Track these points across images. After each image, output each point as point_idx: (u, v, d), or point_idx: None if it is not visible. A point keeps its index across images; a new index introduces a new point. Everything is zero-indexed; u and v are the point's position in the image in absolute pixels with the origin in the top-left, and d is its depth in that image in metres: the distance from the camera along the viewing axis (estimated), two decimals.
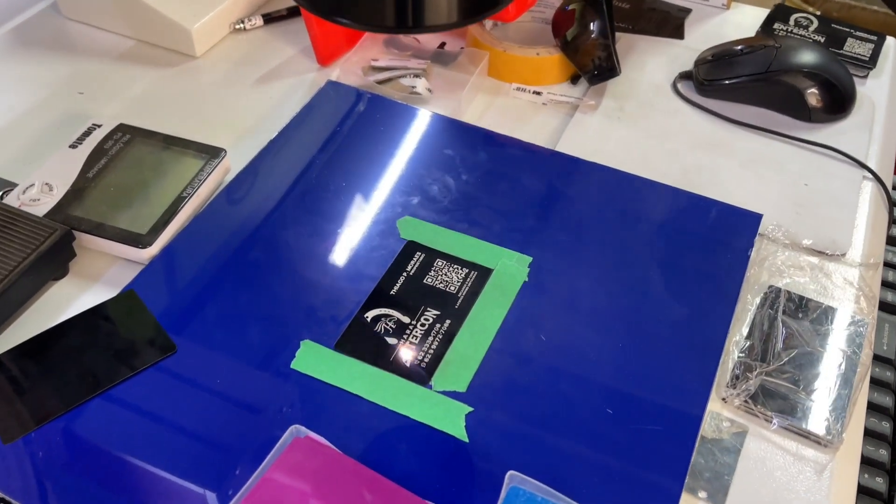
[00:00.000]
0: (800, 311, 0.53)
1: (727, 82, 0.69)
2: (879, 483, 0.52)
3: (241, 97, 0.69)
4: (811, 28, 0.77)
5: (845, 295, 0.55)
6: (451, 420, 0.46)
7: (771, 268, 0.56)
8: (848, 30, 0.76)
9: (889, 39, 0.77)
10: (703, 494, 0.44)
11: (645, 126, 0.67)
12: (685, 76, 0.72)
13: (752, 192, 0.62)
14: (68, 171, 0.58)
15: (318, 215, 0.58)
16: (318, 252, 0.55)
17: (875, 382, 0.59)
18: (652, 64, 0.74)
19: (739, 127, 0.68)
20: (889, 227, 0.62)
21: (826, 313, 0.53)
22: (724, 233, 0.57)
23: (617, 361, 0.49)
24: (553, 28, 0.71)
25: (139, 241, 0.54)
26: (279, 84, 0.71)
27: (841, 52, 0.74)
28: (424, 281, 0.54)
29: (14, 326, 0.51)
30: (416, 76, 0.70)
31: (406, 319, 0.51)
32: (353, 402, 0.47)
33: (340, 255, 0.55)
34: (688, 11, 0.81)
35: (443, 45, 0.74)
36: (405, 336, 0.50)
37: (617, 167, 0.63)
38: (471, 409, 0.47)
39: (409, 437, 0.45)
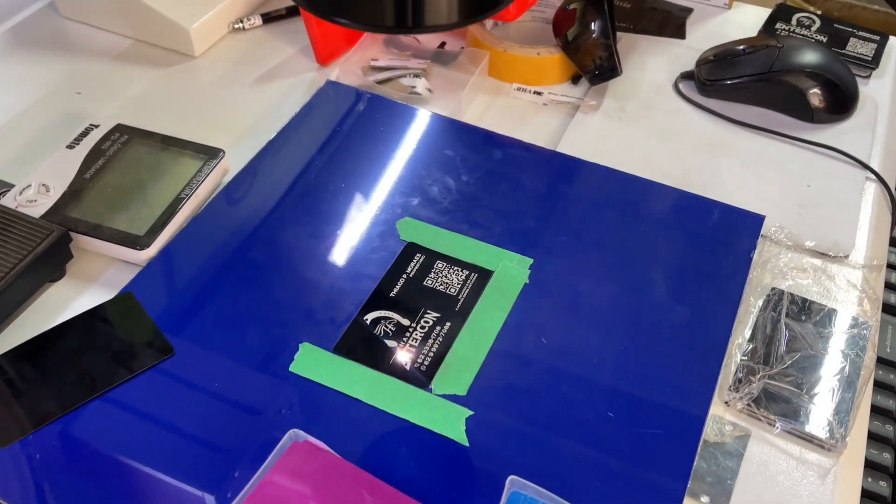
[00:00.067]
0: (803, 314, 0.52)
1: (729, 82, 0.68)
2: (883, 487, 0.52)
3: (240, 97, 0.69)
4: (813, 28, 0.76)
5: (848, 297, 0.54)
6: (452, 424, 0.46)
7: (774, 270, 0.55)
8: (850, 29, 0.76)
9: (892, 39, 0.77)
10: (705, 499, 0.44)
11: (646, 126, 0.67)
12: (687, 76, 0.72)
13: (755, 193, 0.61)
14: (65, 171, 0.58)
15: (317, 216, 0.58)
16: (317, 253, 0.55)
17: (878, 385, 0.59)
18: (653, 64, 0.74)
19: (741, 127, 0.67)
20: (892, 229, 0.61)
21: (829, 316, 0.52)
22: (727, 234, 0.57)
23: (618, 364, 0.49)
24: (554, 28, 0.71)
25: (137, 242, 0.53)
26: (278, 84, 0.71)
27: (843, 51, 0.73)
28: (424, 283, 0.53)
29: (11, 328, 0.51)
30: (416, 76, 0.69)
31: (406, 322, 0.51)
32: (352, 406, 0.47)
33: (340, 256, 0.55)
34: (689, 11, 0.80)
35: (443, 44, 0.73)
36: (405, 338, 0.50)
37: (618, 168, 0.62)
38: (471, 412, 0.46)
39: (409, 441, 0.45)
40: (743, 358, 0.50)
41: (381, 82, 0.69)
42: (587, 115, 0.68)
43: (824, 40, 0.75)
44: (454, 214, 0.58)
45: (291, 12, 0.78)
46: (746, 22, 0.79)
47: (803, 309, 0.53)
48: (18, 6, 0.78)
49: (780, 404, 0.47)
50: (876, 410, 0.57)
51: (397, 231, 0.57)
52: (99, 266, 0.55)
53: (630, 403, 0.47)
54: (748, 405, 0.47)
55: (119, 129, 0.61)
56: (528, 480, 0.43)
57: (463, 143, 0.64)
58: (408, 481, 0.43)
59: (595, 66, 0.68)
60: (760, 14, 0.80)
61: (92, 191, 0.57)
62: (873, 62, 0.73)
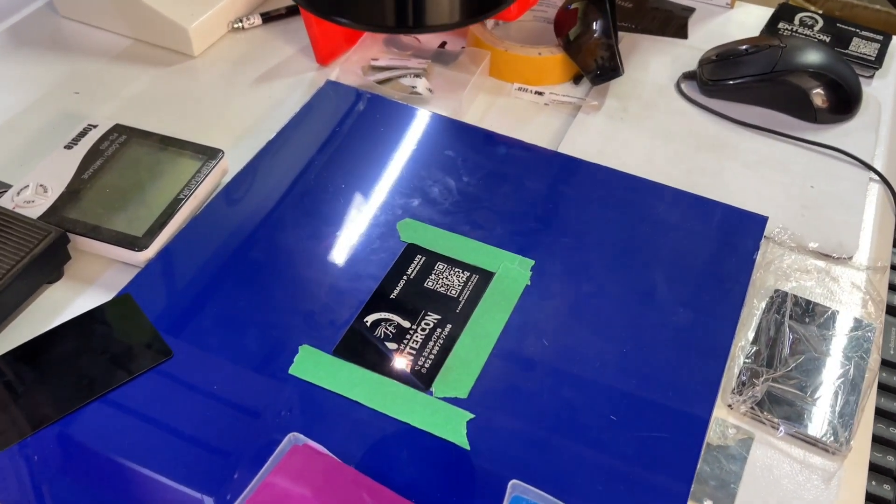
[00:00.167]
0: (806, 316, 0.52)
1: (731, 82, 0.68)
2: (887, 490, 0.51)
3: (239, 97, 0.69)
4: (816, 28, 0.76)
5: (852, 299, 0.54)
6: (452, 427, 0.45)
7: (777, 271, 0.55)
8: (853, 29, 0.76)
9: (895, 39, 0.76)
10: (708, 503, 0.43)
11: (648, 127, 0.67)
12: (689, 76, 0.71)
13: (757, 193, 0.61)
14: (63, 172, 0.57)
15: (317, 217, 0.57)
16: (316, 255, 0.55)
17: (883, 388, 0.58)
18: (655, 64, 0.73)
19: (744, 128, 0.67)
20: None
21: (833, 318, 0.52)
22: (730, 235, 0.57)
23: (621, 367, 0.49)
24: (555, 27, 0.70)
25: (135, 243, 0.53)
26: (278, 84, 0.70)
27: (846, 51, 0.73)
28: (425, 284, 0.53)
29: (8, 330, 0.51)
30: (417, 76, 0.69)
31: (406, 324, 0.50)
32: (352, 409, 0.46)
33: (339, 257, 0.55)
34: (691, 10, 0.80)
35: (444, 44, 0.73)
36: (405, 341, 0.50)
37: (620, 168, 0.62)
38: (472, 415, 0.46)
39: (409, 445, 0.45)
40: (746, 360, 0.49)
41: (381, 82, 0.69)
42: (589, 116, 0.67)
43: (827, 40, 0.74)
44: (455, 215, 0.58)
45: (291, 12, 0.78)
46: (749, 22, 0.79)
47: (807, 311, 0.52)
48: (17, 5, 0.78)
49: (783, 407, 0.47)
50: (880, 413, 0.57)
51: (398, 232, 0.56)
52: (97, 267, 0.54)
53: (632, 406, 0.47)
54: (752, 408, 0.47)
55: (117, 129, 0.61)
56: (530, 485, 0.43)
57: (464, 143, 0.63)
58: (408, 485, 0.43)
59: (597, 66, 0.68)
60: (763, 14, 0.80)
61: (90, 191, 0.56)
62: (876, 62, 0.72)
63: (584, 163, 0.62)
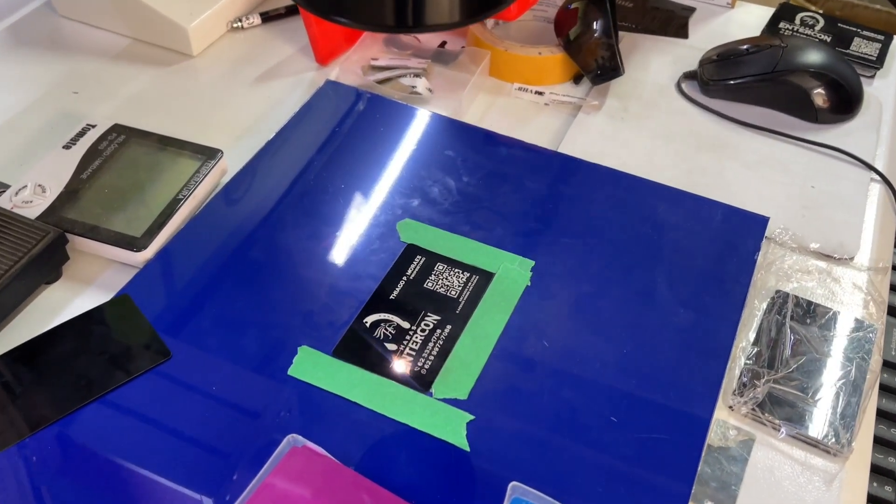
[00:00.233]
0: (808, 317, 0.52)
1: (732, 82, 0.68)
2: (888, 492, 0.51)
3: (239, 97, 0.68)
4: (817, 27, 0.76)
5: (854, 300, 0.54)
6: (452, 428, 0.45)
7: (778, 272, 0.55)
8: (855, 29, 0.75)
9: None
10: None
11: (649, 127, 0.67)
12: (690, 76, 0.71)
13: (758, 194, 0.61)
14: (62, 172, 0.57)
15: (316, 217, 0.57)
16: (316, 255, 0.54)
17: (884, 389, 0.58)
18: (656, 63, 0.73)
19: (745, 128, 0.67)
20: None
21: (834, 319, 0.52)
22: (731, 236, 0.56)
23: (621, 368, 0.49)
24: (555, 27, 0.70)
25: (134, 244, 0.53)
26: (277, 84, 0.70)
27: (848, 51, 0.73)
28: (425, 285, 0.53)
29: (6, 331, 0.50)
30: (417, 76, 0.69)
31: (406, 325, 0.50)
32: (351, 410, 0.46)
33: (339, 258, 0.54)
34: (692, 10, 0.80)
35: (443, 44, 0.73)
36: (405, 342, 0.49)
37: (620, 168, 0.62)
38: (472, 417, 0.46)
39: (409, 446, 0.45)
40: (747, 361, 0.49)
41: (381, 82, 0.69)
42: (589, 116, 0.67)
43: (828, 40, 0.74)
44: (455, 216, 0.57)
45: (290, 11, 0.77)
46: (750, 21, 0.79)
47: (808, 312, 0.52)
48: (16, 5, 0.77)
49: (784, 409, 0.47)
50: (881, 415, 0.56)
51: (397, 232, 0.56)
52: (95, 268, 0.54)
53: (633, 407, 0.47)
54: (753, 409, 0.47)
55: (116, 129, 0.60)
56: (530, 486, 0.43)
57: (464, 143, 0.63)
58: (408, 487, 0.43)
59: (597, 66, 0.67)
60: (764, 13, 0.79)
61: (88, 191, 0.56)
62: (878, 62, 0.72)
63: (585, 163, 0.62)
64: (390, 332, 0.50)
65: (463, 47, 0.72)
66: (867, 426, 0.47)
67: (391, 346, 0.49)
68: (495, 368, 0.48)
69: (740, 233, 0.57)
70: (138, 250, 0.53)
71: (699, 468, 0.44)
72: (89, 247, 0.54)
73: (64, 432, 0.45)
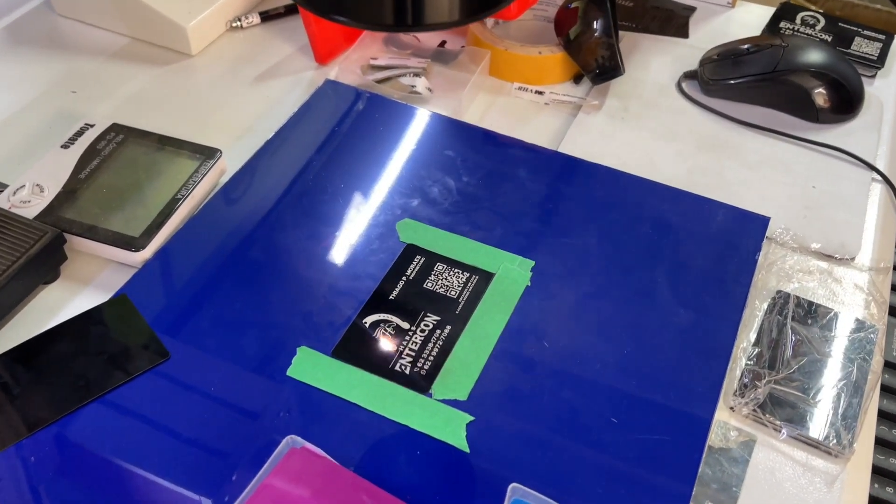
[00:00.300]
0: (809, 317, 0.52)
1: (733, 82, 0.68)
2: (890, 493, 0.51)
3: (238, 96, 0.68)
4: (818, 27, 0.75)
5: (855, 300, 0.54)
6: (452, 429, 0.45)
7: (779, 272, 0.55)
8: (856, 29, 0.75)
9: None
10: None
11: (649, 126, 0.66)
12: (690, 76, 0.71)
13: (759, 194, 0.61)
14: (60, 171, 0.57)
15: (315, 217, 0.57)
16: (315, 255, 0.54)
17: (885, 390, 0.58)
18: (656, 63, 0.73)
19: (745, 127, 0.67)
20: None
21: (836, 319, 0.52)
22: (731, 236, 0.56)
23: (621, 368, 0.48)
24: (556, 26, 0.70)
25: (132, 244, 0.53)
26: (276, 83, 0.70)
27: (849, 51, 0.73)
28: (424, 285, 0.52)
29: (4, 331, 0.50)
30: (416, 75, 0.69)
31: (405, 325, 0.50)
32: (350, 411, 0.46)
33: (338, 258, 0.54)
34: (692, 10, 0.80)
35: (443, 43, 0.73)
36: (404, 342, 0.49)
37: (620, 168, 0.61)
38: (472, 418, 0.46)
39: (408, 447, 0.44)
40: (748, 362, 0.49)
41: (380, 81, 0.69)
42: (589, 115, 0.67)
43: (829, 39, 0.74)
44: (455, 216, 0.57)
45: (290, 10, 0.77)
46: (750, 21, 0.79)
47: (809, 312, 0.52)
48: (14, 4, 0.77)
49: (786, 410, 0.47)
50: (883, 415, 0.56)
51: (397, 232, 0.56)
52: (94, 268, 0.54)
53: (633, 408, 0.46)
54: (754, 410, 0.47)
55: (115, 128, 0.60)
56: (531, 488, 0.43)
57: (463, 143, 0.63)
58: (407, 488, 0.43)
59: (597, 66, 0.67)
60: (764, 13, 0.79)
61: (87, 191, 0.56)
62: (879, 62, 0.72)
63: (585, 163, 0.62)
64: (390, 333, 0.50)
65: (463, 47, 0.72)
66: (868, 427, 0.47)
67: (391, 347, 0.49)
68: (495, 369, 0.48)
69: (741, 233, 0.56)
70: (137, 250, 0.53)
71: (700, 469, 0.44)
72: (87, 247, 0.54)
73: (62, 433, 0.45)
